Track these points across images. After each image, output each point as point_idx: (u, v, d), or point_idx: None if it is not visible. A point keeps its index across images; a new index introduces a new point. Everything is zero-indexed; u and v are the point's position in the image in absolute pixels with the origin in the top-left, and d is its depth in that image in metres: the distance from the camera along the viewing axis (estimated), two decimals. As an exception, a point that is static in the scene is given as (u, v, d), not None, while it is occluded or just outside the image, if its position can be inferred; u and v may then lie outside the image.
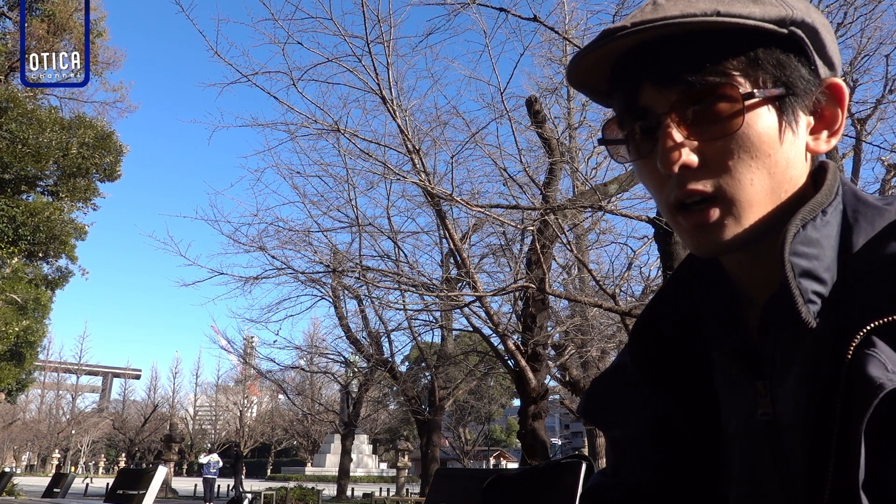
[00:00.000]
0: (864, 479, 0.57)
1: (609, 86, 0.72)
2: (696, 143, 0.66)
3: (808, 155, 0.71)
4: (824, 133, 0.71)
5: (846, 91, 0.71)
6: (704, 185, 0.66)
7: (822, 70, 0.70)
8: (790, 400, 0.67)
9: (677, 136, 0.65)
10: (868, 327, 0.60)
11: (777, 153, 0.66)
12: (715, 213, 0.66)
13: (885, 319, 0.60)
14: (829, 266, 0.66)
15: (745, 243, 0.67)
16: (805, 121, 0.69)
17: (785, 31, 0.66)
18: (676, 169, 0.65)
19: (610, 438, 0.86)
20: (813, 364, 0.66)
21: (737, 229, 0.66)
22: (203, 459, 24.41)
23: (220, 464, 24.14)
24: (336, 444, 40.59)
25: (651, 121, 0.67)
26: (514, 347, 10.97)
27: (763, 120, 0.66)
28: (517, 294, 11.33)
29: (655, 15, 0.64)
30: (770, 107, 0.66)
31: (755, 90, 0.65)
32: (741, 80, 0.65)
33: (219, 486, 24.81)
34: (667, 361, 0.77)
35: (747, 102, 0.64)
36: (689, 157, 0.65)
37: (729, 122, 0.65)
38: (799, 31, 0.67)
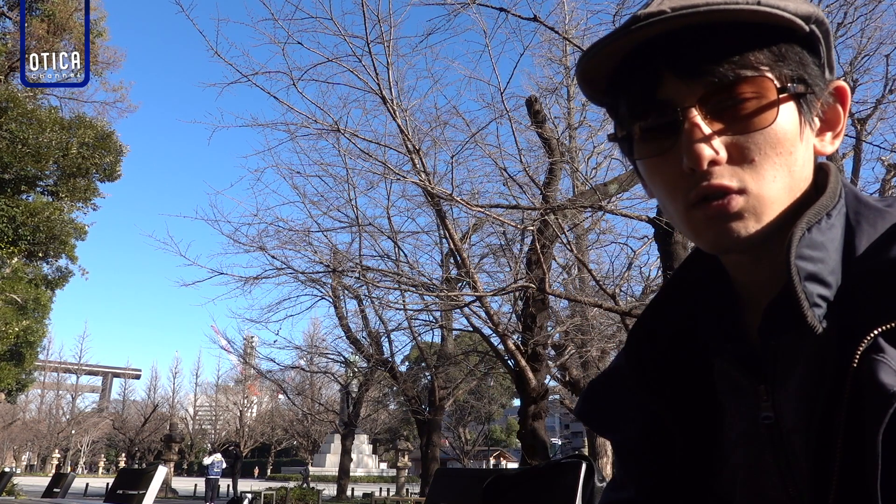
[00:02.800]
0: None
1: (610, 80, 0.70)
2: (723, 137, 0.64)
3: (815, 156, 0.71)
4: (828, 135, 0.70)
5: (850, 94, 0.70)
6: (731, 181, 0.64)
7: (826, 72, 0.69)
8: (792, 403, 0.67)
9: (706, 129, 0.63)
10: (875, 332, 0.59)
11: (797, 151, 0.66)
12: (737, 203, 0.64)
13: (893, 324, 0.59)
14: (834, 269, 0.65)
15: (760, 240, 0.66)
16: (816, 121, 0.69)
17: (807, 28, 0.65)
18: (705, 165, 0.63)
19: (612, 443, 0.86)
20: (816, 367, 0.65)
21: (755, 225, 0.65)
22: (207, 460, 24.43)
23: (224, 464, 24.14)
24: (336, 444, 40.56)
25: (671, 115, 0.65)
26: (514, 347, 10.96)
27: (788, 116, 0.65)
28: (517, 294, 11.33)
29: (690, 1, 0.62)
30: (793, 104, 0.65)
31: (787, 85, 0.64)
32: (770, 74, 0.64)
33: (218, 486, 24.76)
34: (662, 365, 0.76)
35: (780, 97, 0.63)
36: (720, 151, 0.63)
37: (761, 116, 0.63)
38: (817, 31, 0.66)
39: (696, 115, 0.64)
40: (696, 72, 0.63)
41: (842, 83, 0.70)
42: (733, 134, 0.64)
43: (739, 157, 0.64)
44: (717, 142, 0.64)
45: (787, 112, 0.65)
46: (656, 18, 0.62)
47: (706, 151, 0.63)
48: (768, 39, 0.64)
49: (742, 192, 0.64)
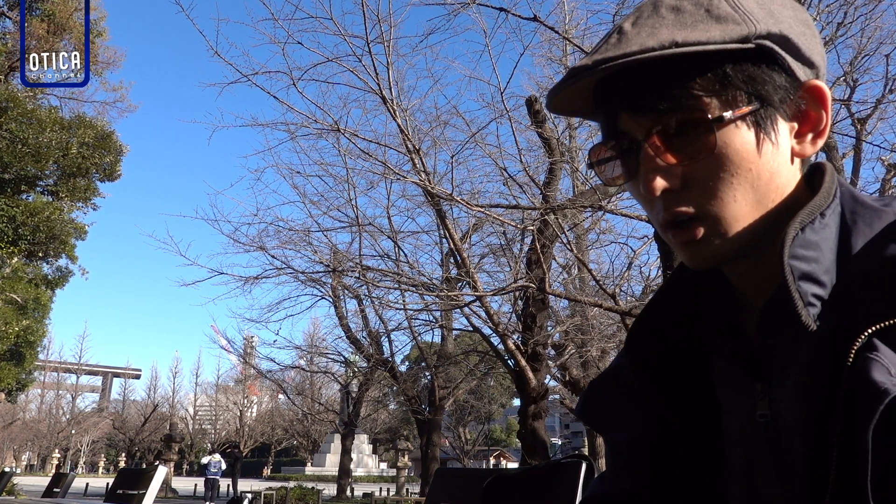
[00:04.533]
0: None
1: (593, 107, 0.73)
2: (675, 165, 0.67)
3: (795, 159, 0.70)
4: (809, 135, 0.70)
5: (827, 92, 0.70)
6: (688, 207, 0.67)
7: (801, 72, 0.69)
8: (789, 402, 0.68)
9: (656, 161, 0.67)
10: (869, 330, 0.60)
11: (758, 166, 0.67)
12: (700, 231, 0.67)
13: (887, 323, 0.59)
14: (829, 269, 0.66)
15: (737, 255, 0.68)
16: (787, 127, 0.69)
17: (751, 45, 0.65)
18: (658, 194, 0.67)
19: (608, 441, 0.87)
20: (812, 366, 0.66)
21: (724, 244, 0.67)
22: (205, 460, 24.44)
23: (222, 464, 24.12)
24: (336, 444, 40.59)
25: (632, 146, 0.69)
26: (514, 347, 10.97)
27: (740, 136, 0.66)
28: (517, 294, 11.33)
29: (617, 51, 0.65)
30: (746, 122, 0.66)
31: (724, 112, 0.65)
32: (711, 100, 0.65)
33: (218, 485, 24.77)
34: (663, 363, 0.77)
35: (717, 125, 0.65)
36: (670, 181, 0.67)
37: (703, 144, 0.65)
38: (767, 43, 0.66)
39: (648, 148, 0.67)
40: (642, 108, 0.67)
41: (817, 83, 0.69)
42: (685, 162, 0.67)
43: (695, 182, 0.67)
44: (668, 171, 0.67)
45: (737, 132, 0.66)
46: (583, 75, 0.66)
47: (657, 182, 0.67)
48: (711, 65, 0.65)
49: (700, 216, 0.67)
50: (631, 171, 0.70)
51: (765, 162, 0.67)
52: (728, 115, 0.65)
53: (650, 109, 0.66)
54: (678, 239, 0.69)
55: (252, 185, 50.81)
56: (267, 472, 58.38)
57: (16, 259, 16.94)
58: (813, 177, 0.72)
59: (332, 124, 8.89)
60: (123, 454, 54.32)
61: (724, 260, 0.69)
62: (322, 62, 8.65)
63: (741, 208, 0.67)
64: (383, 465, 56.18)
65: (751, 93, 0.66)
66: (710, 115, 0.65)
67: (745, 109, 0.66)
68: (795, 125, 0.70)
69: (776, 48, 0.67)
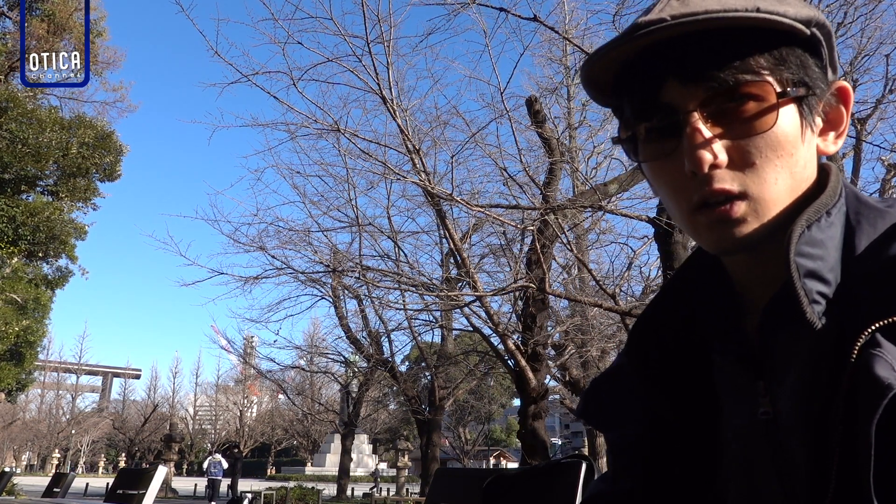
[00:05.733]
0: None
1: (614, 83, 0.71)
2: (723, 140, 0.65)
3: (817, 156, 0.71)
4: (831, 135, 0.72)
5: (852, 94, 0.71)
6: (732, 185, 0.65)
7: (829, 73, 0.70)
8: (790, 399, 0.67)
9: (707, 133, 0.65)
10: (873, 327, 0.60)
11: (798, 153, 0.67)
12: (739, 209, 0.65)
13: (890, 319, 0.59)
14: (833, 267, 0.66)
15: (763, 240, 0.67)
16: (819, 121, 0.70)
17: (808, 31, 0.66)
18: (706, 168, 0.64)
19: (608, 440, 0.87)
20: (814, 363, 0.66)
21: (757, 227, 0.66)
22: (207, 461, 24.46)
23: (223, 464, 24.11)
24: (336, 444, 40.61)
25: (673, 118, 0.66)
26: (514, 347, 10.95)
27: (788, 119, 0.66)
28: (517, 294, 11.32)
29: (689, 9, 0.63)
30: (794, 106, 0.66)
31: (788, 89, 0.65)
32: (771, 77, 0.65)
33: (219, 485, 24.76)
34: (664, 363, 0.77)
35: (780, 101, 0.64)
36: (720, 155, 0.65)
37: (760, 120, 0.64)
38: (818, 34, 0.67)
39: (698, 120, 0.65)
40: (697, 76, 0.65)
41: (844, 84, 0.71)
42: (734, 138, 0.65)
43: (741, 160, 0.65)
44: (718, 145, 0.65)
45: (788, 115, 0.66)
46: (656, 27, 0.63)
47: (707, 155, 0.64)
48: (769, 43, 0.65)
49: (743, 195, 0.65)
50: (666, 148, 0.68)
51: (803, 150, 0.67)
52: (791, 91, 0.65)
53: (707, 78, 0.64)
54: (710, 217, 0.66)
55: (252, 185, 50.71)
56: (272, 471, 58.40)
57: (16, 259, 16.95)
58: (818, 177, 0.72)
59: (332, 124, 8.88)
60: (123, 454, 54.31)
61: (750, 244, 0.67)
62: (322, 62, 8.64)
63: (780, 192, 0.66)
64: (383, 465, 56.19)
65: (801, 78, 0.66)
66: (777, 89, 0.64)
67: (801, 92, 0.66)
68: (820, 122, 0.71)
69: (823, 41, 0.68)
